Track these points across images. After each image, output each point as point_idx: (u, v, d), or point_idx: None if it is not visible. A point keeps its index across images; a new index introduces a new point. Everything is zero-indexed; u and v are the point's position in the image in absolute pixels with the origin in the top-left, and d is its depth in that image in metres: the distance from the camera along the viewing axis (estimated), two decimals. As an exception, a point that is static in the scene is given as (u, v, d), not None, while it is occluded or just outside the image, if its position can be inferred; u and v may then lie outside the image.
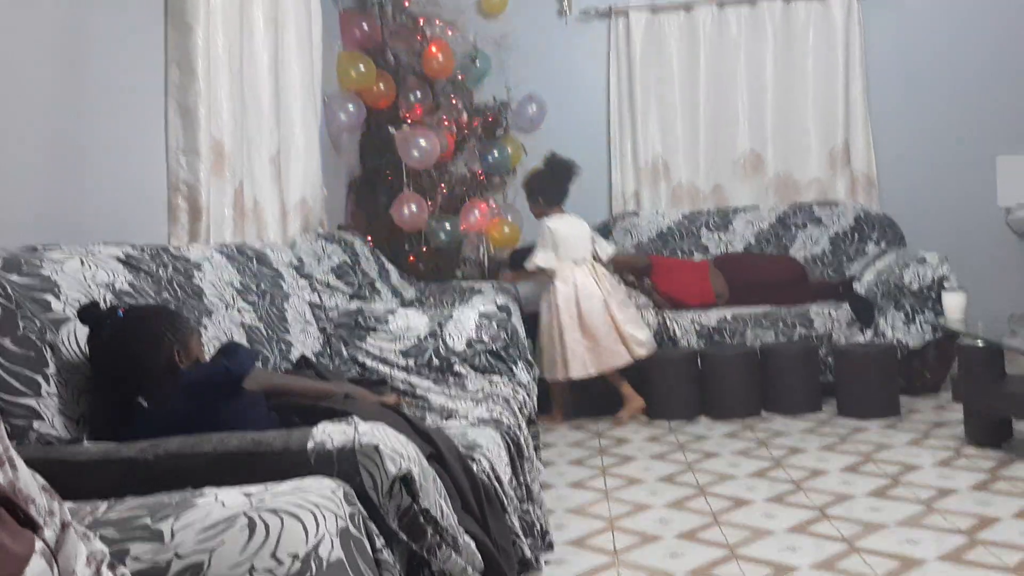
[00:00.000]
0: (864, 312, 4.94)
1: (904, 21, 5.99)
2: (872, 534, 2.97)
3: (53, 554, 0.88)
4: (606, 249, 4.97)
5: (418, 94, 5.39)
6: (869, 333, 4.91)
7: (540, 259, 4.76)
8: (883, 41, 5.99)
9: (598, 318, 4.66)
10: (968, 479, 3.48)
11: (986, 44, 5.94)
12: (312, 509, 1.20)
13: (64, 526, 0.92)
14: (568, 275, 4.71)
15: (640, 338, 4.71)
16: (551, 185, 4.87)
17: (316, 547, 1.16)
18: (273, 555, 1.14)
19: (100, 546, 0.99)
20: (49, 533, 0.89)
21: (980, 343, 3.85)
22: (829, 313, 4.97)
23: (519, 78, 5.88)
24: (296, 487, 1.24)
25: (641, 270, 5.22)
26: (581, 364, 4.66)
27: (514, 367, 3.34)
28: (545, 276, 4.78)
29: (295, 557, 1.14)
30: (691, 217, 5.82)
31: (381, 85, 5.24)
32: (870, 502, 3.29)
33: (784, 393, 4.71)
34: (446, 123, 5.46)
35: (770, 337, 4.93)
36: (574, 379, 4.70)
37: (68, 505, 1.24)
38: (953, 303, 4.23)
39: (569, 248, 4.76)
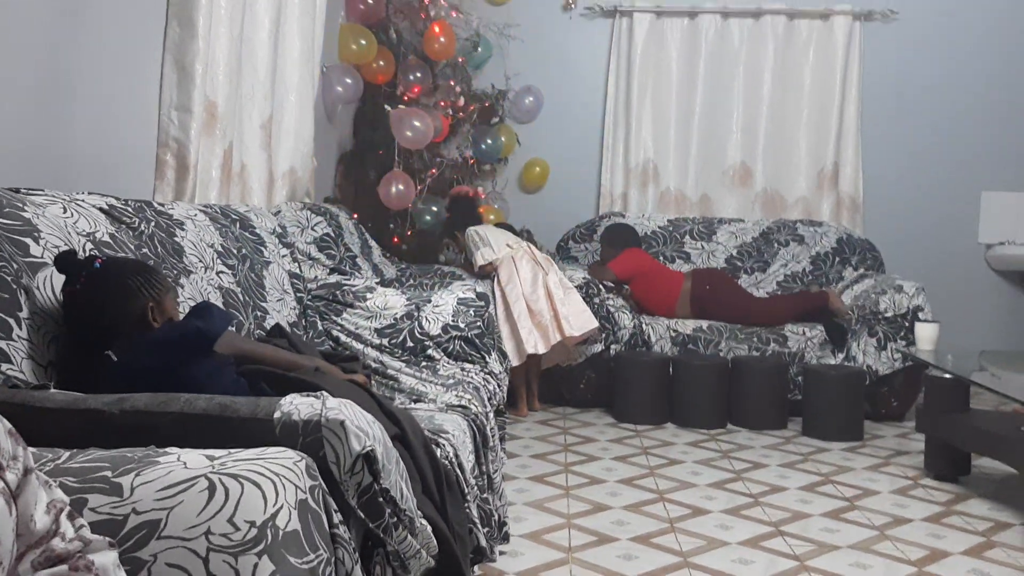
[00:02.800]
0: (837, 335, 4.98)
1: (903, 49, 6.03)
2: (824, 554, 3.00)
3: (13, 496, 0.88)
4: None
5: (417, 74, 5.37)
6: (840, 356, 4.95)
7: (480, 257, 4.88)
8: (881, 67, 6.03)
9: (540, 292, 4.75)
10: (923, 510, 3.52)
11: (982, 80, 6.00)
12: (273, 478, 1.19)
13: (27, 472, 0.92)
14: (508, 262, 4.81)
15: (571, 319, 4.74)
16: (460, 218, 5.21)
17: (274, 516, 1.16)
18: (230, 520, 1.14)
19: (61, 495, 0.99)
20: (11, 476, 0.89)
21: (948, 376, 3.89)
22: (803, 332, 5.01)
23: (519, 68, 5.89)
24: (259, 455, 1.24)
25: (612, 282, 5.21)
26: (533, 342, 4.69)
27: (487, 356, 3.34)
28: (491, 269, 4.89)
29: (252, 524, 1.14)
30: (676, 223, 5.84)
31: (381, 61, 5.22)
32: (825, 523, 3.32)
33: (751, 407, 4.74)
34: (442, 105, 5.45)
35: (743, 351, 4.96)
36: (529, 355, 4.72)
37: (31, 450, 1.24)
38: (925, 333, 4.26)
39: (497, 236, 4.92)
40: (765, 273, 5.68)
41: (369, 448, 1.44)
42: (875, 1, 6.00)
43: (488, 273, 4.87)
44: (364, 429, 1.46)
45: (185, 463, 1.21)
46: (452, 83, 5.57)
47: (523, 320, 4.70)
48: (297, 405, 1.45)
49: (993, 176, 6.02)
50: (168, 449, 1.27)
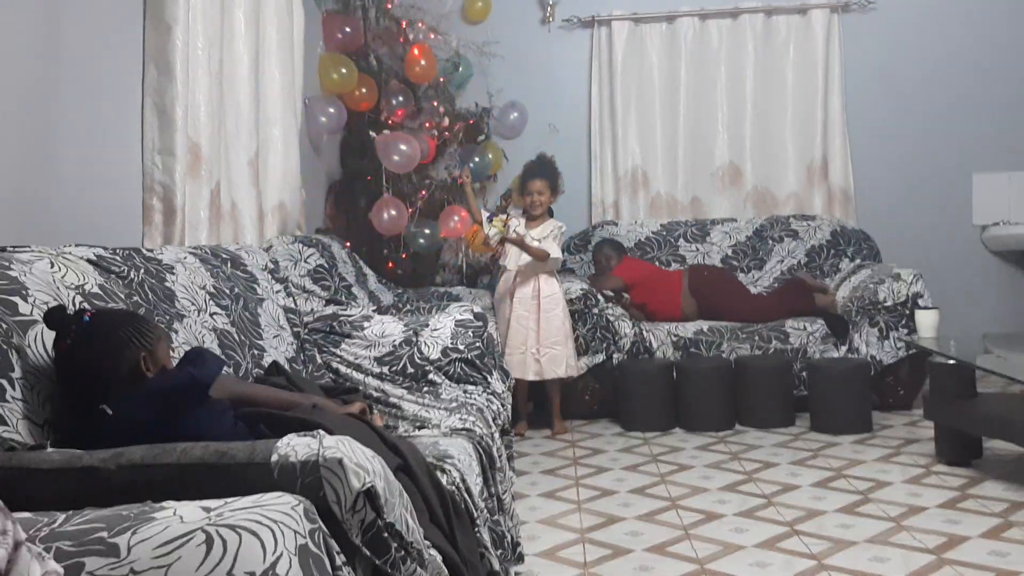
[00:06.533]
0: (839, 328, 4.96)
1: (883, 38, 6.04)
2: (842, 551, 2.98)
3: (3, 573, 0.87)
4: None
5: (400, 98, 5.38)
6: (843, 349, 4.94)
7: (557, 251, 4.75)
8: (862, 57, 6.03)
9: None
10: (937, 497, 3.50)
11: (964, 63, 6.00)
12: (271, 525, 1.18)
13: (17, 545, 0.91)
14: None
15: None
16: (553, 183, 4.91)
17: (273, 565, 1.14)
18: (229, 572, 1.12)
19: (54, 566, 0.98)
20: (1, 552, 0.88)
21: (952, 361, 3.87)
22: (804, 327, 5.00)
23: (501, 85, 5.89)
24: (256, 502, 1.23)
25: (619, 289, 5.23)
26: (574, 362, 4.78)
27: (489, 376, 3.33)
28: (550, 267, 4.77)
29: (251, 575, 1.13)
30: (669, 228, 5.84)
31: (363, 88, 5.22)
32: (840, 518, 3.30)
33: (758, 407, 4.72)
34: (427, 127, 5.45)
35: (745, 350, 4.95)
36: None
37: (26, 516, 1.23)
38: (926, 320, 4.25)
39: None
40: (762, 271, 5.67)
41: (369, 484, 1.43)
42: (851, -8, 6.01)
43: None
44: (363, 465, 1.45)
45: (181, 517, 1.19)
46: (435, 104, 5.56)
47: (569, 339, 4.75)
48: (294, 446, 1.44)
49: (983, 157, 6.01)
50: (164, 504, 1.25)
